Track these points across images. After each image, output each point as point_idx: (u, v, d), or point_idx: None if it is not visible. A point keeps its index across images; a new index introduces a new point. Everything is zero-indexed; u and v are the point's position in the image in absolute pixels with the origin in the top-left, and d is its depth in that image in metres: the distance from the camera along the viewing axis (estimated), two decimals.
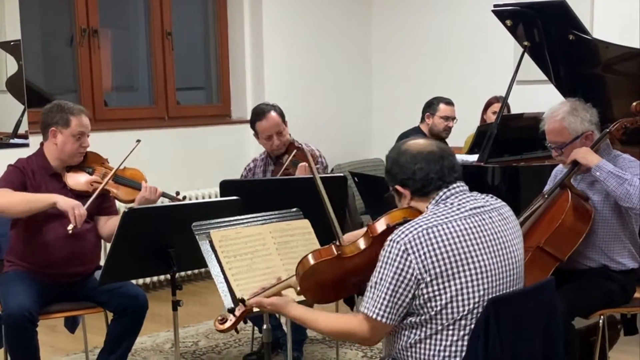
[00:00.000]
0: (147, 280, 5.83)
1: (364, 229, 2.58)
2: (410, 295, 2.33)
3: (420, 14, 7.13)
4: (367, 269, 2.46)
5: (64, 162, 3.82)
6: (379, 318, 2.35)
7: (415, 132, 5.70)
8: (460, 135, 5.93)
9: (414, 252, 2.30)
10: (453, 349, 2.35)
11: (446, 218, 2.36)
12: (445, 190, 2.44)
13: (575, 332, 3.47)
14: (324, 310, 2.59)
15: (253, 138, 6.80)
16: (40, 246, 3.73)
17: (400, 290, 2.32)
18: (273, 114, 4.43)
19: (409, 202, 2.49)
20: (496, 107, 5.92)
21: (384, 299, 2.34)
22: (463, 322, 2.34)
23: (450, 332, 2.35)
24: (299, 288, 2.55)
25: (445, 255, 2.31)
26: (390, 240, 2.34)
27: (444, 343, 2.36)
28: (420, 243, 2.30)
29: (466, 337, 2.34)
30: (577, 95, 3.69)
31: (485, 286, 2.35)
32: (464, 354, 2.35)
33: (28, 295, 3.56)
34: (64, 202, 3.58)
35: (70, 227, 3.53)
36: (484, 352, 2.30)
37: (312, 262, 2.50)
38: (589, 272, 3.54)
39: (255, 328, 4.54)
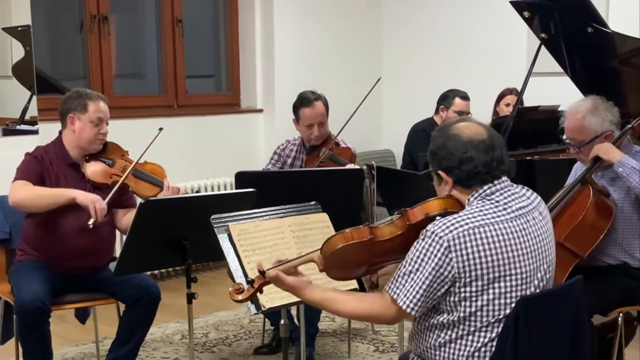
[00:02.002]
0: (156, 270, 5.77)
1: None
2: (443, 290, 2.28)
3: (432, 4, 7.07)
4: (394, 254, 2.43)
5: (83, 150, 3.76)
6: (408, 310, 2.30)
7: (429, 123, 5.65)
8: None
9: (456, 251, 2.24)
10: (483, 349, 2.31)
11: (493, 219, 2.28)
12: (490, 185, 2.35)
13: (594, 330, 3.43)
14: (342, 291, 2.49)
15: (262, 127, 6.86)
16: (55, 237, 3.68)
17: (435, 286, 2.27)
18: (320, 103, 4.43)
19: (450, 190, 2.39)
20: (509, 99, 5.87)
21: (417, 292, 2.28)
22: (496, 324, 2.30)
23: (482, 334, 2.30)
24: (321, 267, 2.45)
25: (489, 259, 2.25)
26: (433, 233, 2.26)
27: (475, 344, 2.31)
28: (465, 242, 2.24)
29: (496, 339, 2.30)
30: (595, 89, 3.65)
31: (523, 292, 2.30)
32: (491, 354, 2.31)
33: (41, 285, 3.52)
34: (83, 197, 3.54)
35: (91, 221, 3.48)
36: (512, 351, 2.25)
37: (341, 243, 2.40)
38: (608, 269, 3.51)
39: (267, 320, 4.50)
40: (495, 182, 2.36)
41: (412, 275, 2.28)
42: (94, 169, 3.77)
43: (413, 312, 2.30)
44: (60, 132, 3.81)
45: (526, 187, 2.47)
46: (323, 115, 4.43)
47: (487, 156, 2.34)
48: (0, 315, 3.80)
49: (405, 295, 2.30)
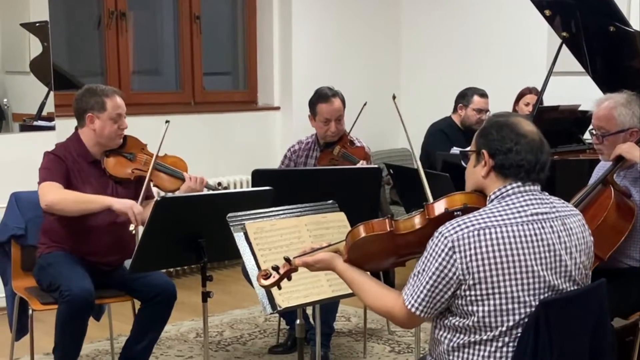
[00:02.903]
0: (172, 268, 5.76)
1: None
2: (450, 293, 2.25)
3: (452, 1, 7.02)
4: (416, 248, 2.41)
5: (104, 146, 3.74)
6: (412, 309, 2.29)
7: (447, 123, 5.61)
8: None
9: (459, 252, 2.21)
10: (498, 354, 2.27)
11: (502, 220, 2.25)
12: (515, 184, 2.31)
13: (614, 333, 3.38)
14: (372, 280, 2.45)
15: (279, 125, 6.84)
16: (82, 233, 3.67)
17: (440, 287, 2.25)
18: (337, 99, 4.43)
19: (486, 174, 2.35)
20: (529, 98, 5.81)
21: (422, 292, 2.27)
22: (510, 331, 2.25)
23: (495, 340, 2.26)
24: (346, 256, 2.47)
25: (492, 260, 2.21)
26: (439, 234, 2.25)
27: (488, 349, 2.27)
28: (469, 243, 2.21)
29: (511, 344, 2.26)
30: (616, 88, 3.61)
31: (533, 299, 2.24)
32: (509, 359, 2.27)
33: (87, 278, 3.52)
34: (120, 204, 3.52)
35: (132, 227, 3.48)
36: (532, 355, 2.21)
37: (363, 234, 2.41)
38: (630, 271, 3.45)
39: (282, 319, 4.47)
40: (525, 184, 2.31)
41: (419, 275, 2.28)
42: (115, 165, 3.74)
43: (418, 312, 2.28)
44: (77, 129, 3.78)
45: (562, 200, 2.42)
46: (340, 110, 4.42)
47: (534, 156, 2.30)
48: (16, 311, 3.78)
49: (411, 295, 2.29)
